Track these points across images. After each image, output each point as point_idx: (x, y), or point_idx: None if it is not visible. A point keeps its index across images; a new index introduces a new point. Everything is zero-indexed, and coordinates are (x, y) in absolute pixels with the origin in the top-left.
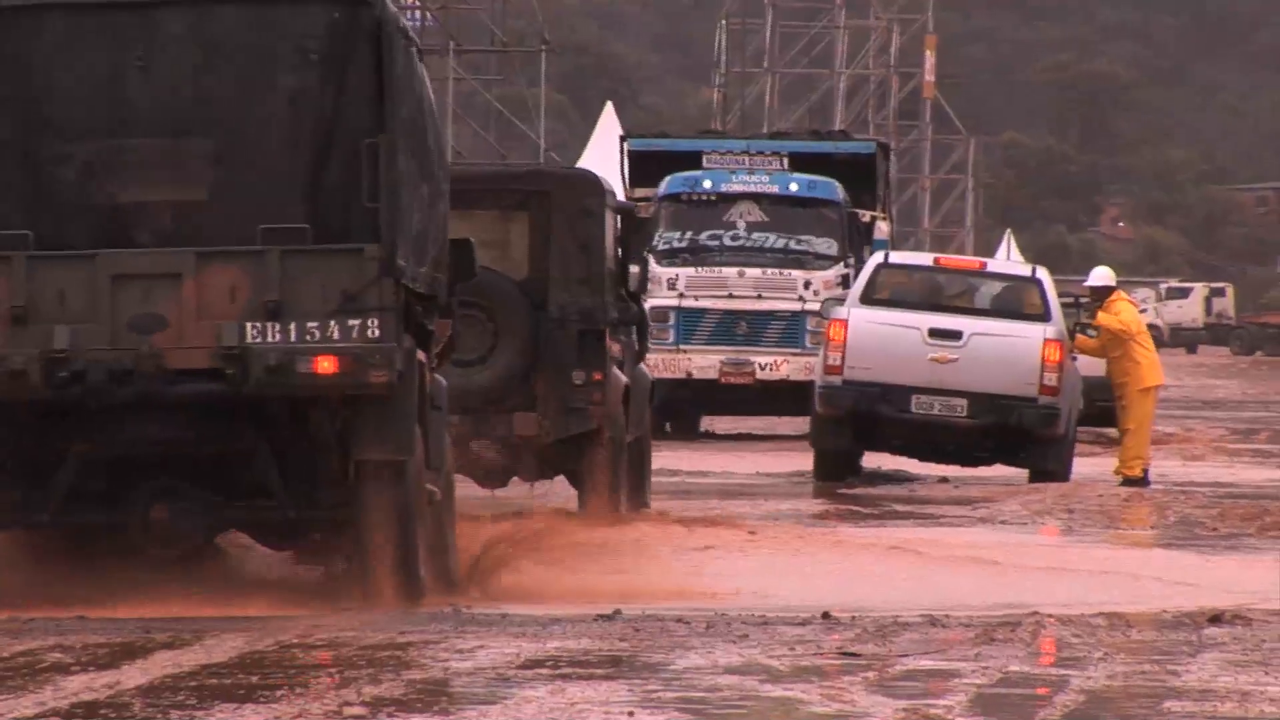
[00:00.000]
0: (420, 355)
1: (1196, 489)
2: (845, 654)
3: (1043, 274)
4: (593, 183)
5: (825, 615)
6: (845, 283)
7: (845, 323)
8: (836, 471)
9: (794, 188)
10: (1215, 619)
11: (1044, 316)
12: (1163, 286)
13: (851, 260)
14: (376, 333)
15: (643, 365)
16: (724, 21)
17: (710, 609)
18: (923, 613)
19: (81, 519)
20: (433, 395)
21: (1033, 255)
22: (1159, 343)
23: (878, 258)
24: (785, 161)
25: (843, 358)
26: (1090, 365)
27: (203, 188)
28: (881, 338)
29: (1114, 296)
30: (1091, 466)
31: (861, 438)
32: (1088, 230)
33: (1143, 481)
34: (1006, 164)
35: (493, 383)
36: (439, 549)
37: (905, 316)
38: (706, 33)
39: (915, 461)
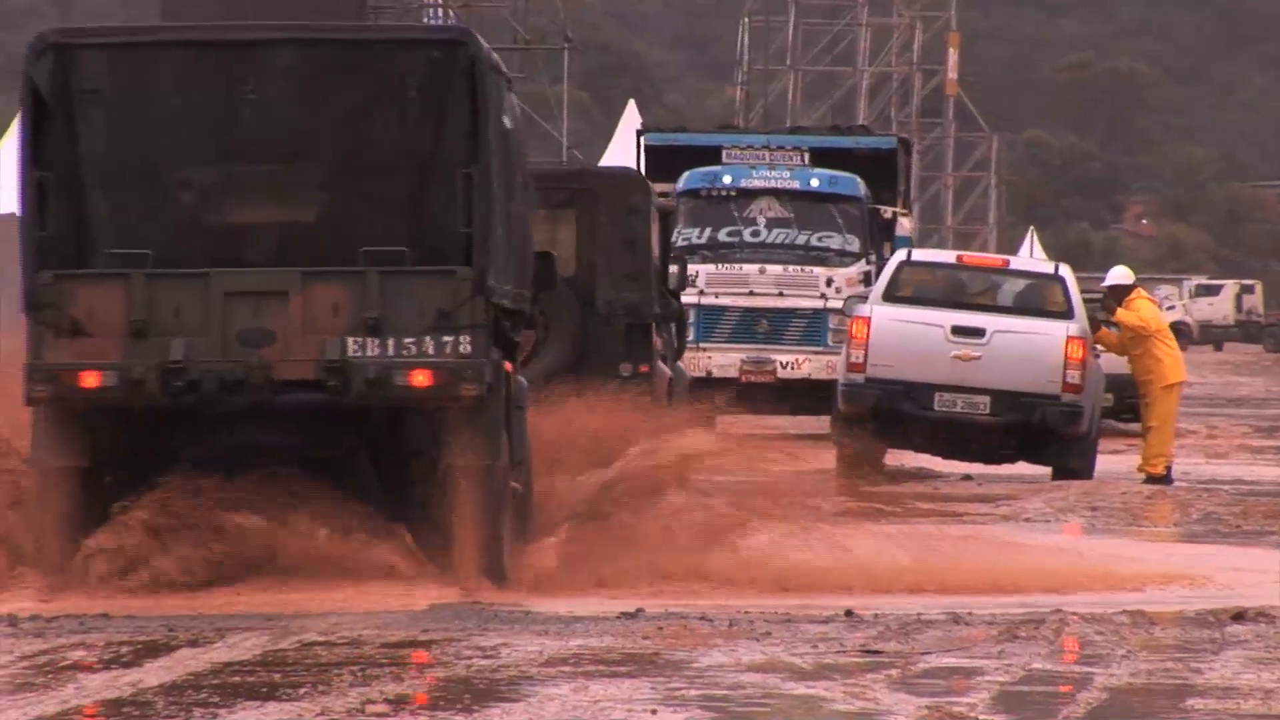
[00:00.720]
0: (506, 365)
1: (1219, 486)
2: (868, 652)
3: (1065, 271)
4: (638, 181)
5: (848, 613)
6: (867, 280)
7: (868, 320)
8: (859, 469)
9: (815, 183)
10: (1238, 616)
11: (1067, 314)
12: (1192, 284)
13: (873, 257)
14: (468, 348)
15: (680, 361)
16: (746, 19)
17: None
18: (945, 610)
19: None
20: (515, 395)
21: (1056, 253)
22: (1188, 340)
23: (900, 255)
24: (806, 157)
25: (865, 355)
26: (1115, 362)
27: (309, 211)
28: (904, 335)
29: (1133, 295)
30: (1115, 463)
31: (884, 435)
32: (1110, 228)
33: (1166, 479)
34: (1029, 161)
35: (542, 376)
36: (519, 537)
37: (928, 314)
38: (729, 30)
39: (938, 459)
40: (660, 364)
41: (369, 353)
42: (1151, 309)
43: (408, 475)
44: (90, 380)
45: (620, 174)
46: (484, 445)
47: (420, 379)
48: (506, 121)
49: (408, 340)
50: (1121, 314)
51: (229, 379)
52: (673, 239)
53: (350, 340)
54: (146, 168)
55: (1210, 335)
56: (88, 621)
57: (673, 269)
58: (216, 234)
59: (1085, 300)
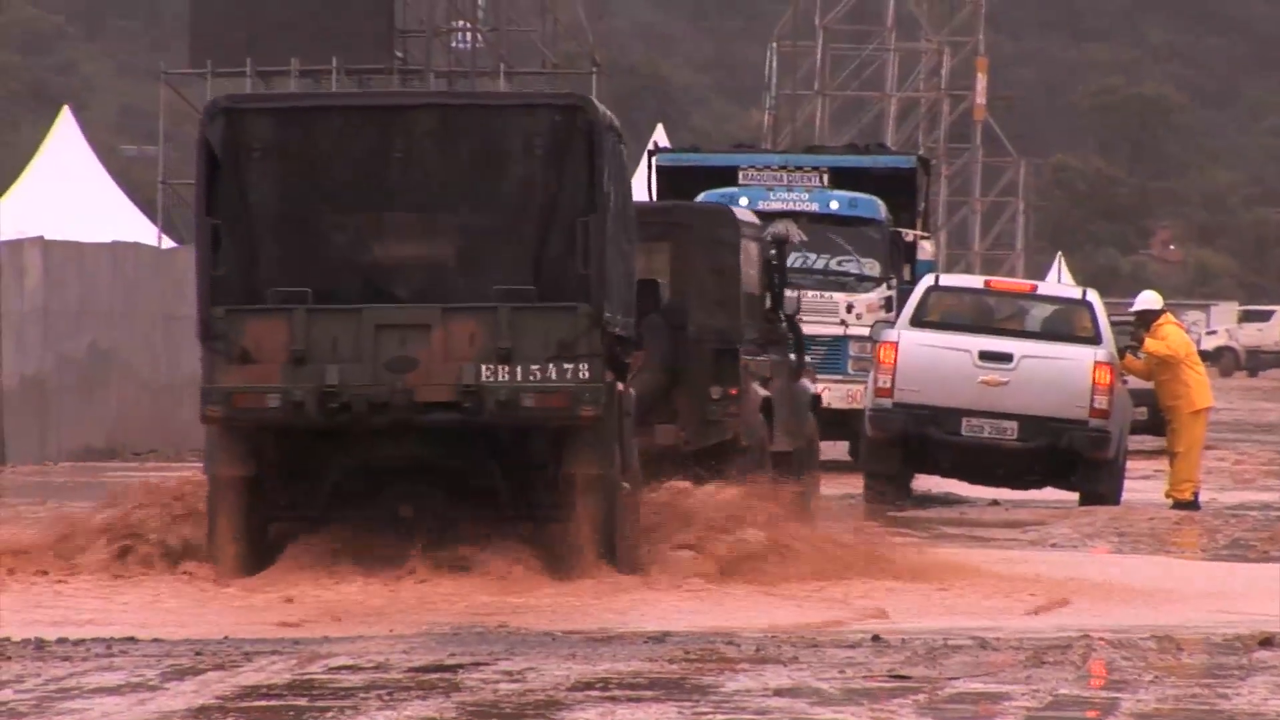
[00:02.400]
0: (619, 386)
1: (1247, 512)
2: (895, 677)
3: (1093, 297)
4: (726, 215)
5: (875, 638)
6: (888, 305)
7: (896, 345)
8: (887, 494)
9: (834, 205)
10: (1266, 642)
11: (1094, 339)
12: (1232, 308)
13: (894, 281)
14: (586, 374)
15: (804, 380)
16: (774, 44)
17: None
18: (972, 635)
19: (342, 515)
20: (624, 406)
21: (1083, 278)
22: (1235, 367)
23: (928, 280)
24: (824, 178)
25: (893, 380)
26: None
27: (449, 254)
28: (932, 360)
29: (1161, 320)
30: (1143, 488)
31: (912, 460)
32: (1139, 253)
33: (1193, 505)
34: (1057, 186)
35: (636, 398)
36: (628, 535)
37: (956, 339)
38: (757, 55)
39: (965, 484)
40: (753, 386)
41: (500, 378)
42: (1180, 335)
43: (532, 482)
44: (256, 402)
45: (710, 208)
46: (600, 456)
47: (544, 401)
48: (619, 169)
49: (534, 367)
50: (1150, 344)
51: (377, 401)
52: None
53: (484, 367)
54: (307, 215)
55: (1260, 361)
56: (114, 645)
57: (789, 294)
58: (368, 273)
59: (1113, 326)
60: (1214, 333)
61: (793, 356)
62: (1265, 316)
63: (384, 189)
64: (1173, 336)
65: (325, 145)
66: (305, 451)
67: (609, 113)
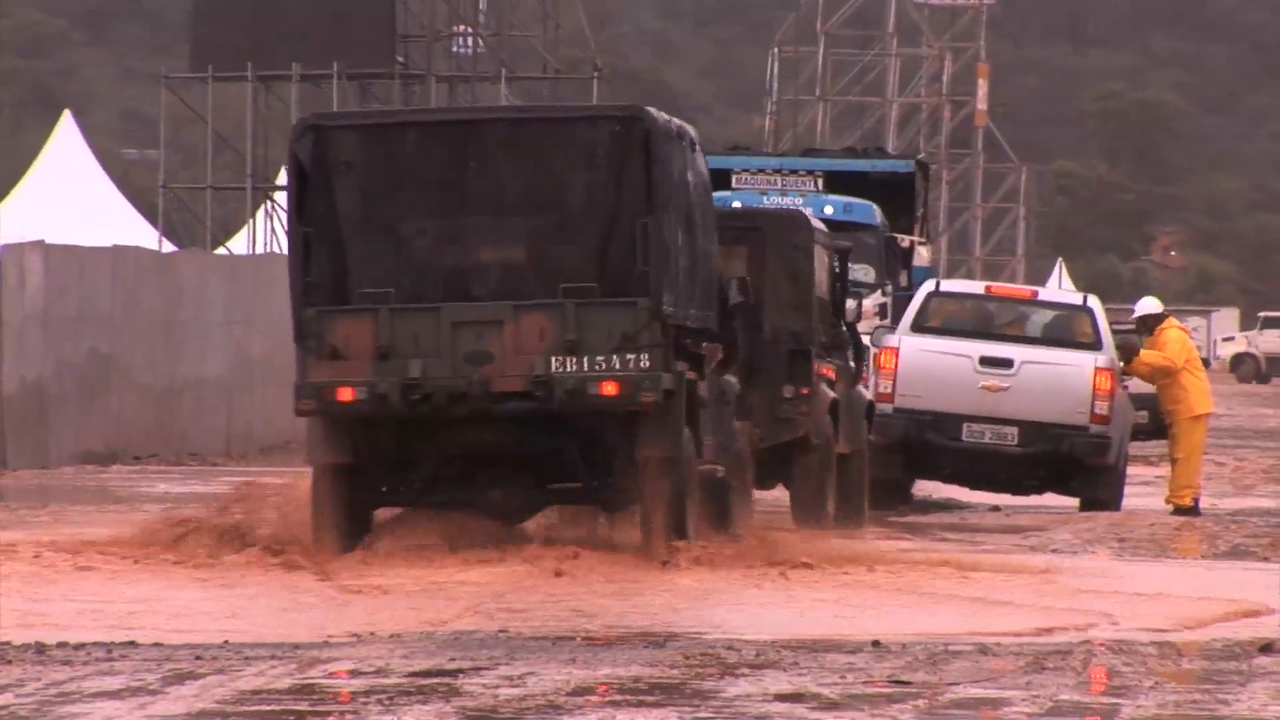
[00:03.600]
0: (691, 374)
1: (1247, 518)
2: (896, 682)
3: (1094, 303)
4: (801, 220)
5: (875, 643)
6: (884, 312)
7: (896, 350)
8: (887, 499)
9: (829, 210)
10: (1266, 648)
11: (1095, 345)
12: (1260, 315)
13: (889, 287)
14: (647, 364)
15: (860, 387)
16: (776, 50)
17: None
18: (974, 640)
19: (437, 499)
20: (724, 394)
21: (1084, 284)
22: (1255, 374)
23: (929, 286)
24: (819, 181)
25: (894, 385)
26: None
27: (520, 255)
28: (933, 366)
29: (1164, 325)
30: (1144, 495)
31: (912, 466)
32: (1140, 259)
33: (1193, 510)
34: (1058, 192)
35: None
36: (725, 517)
37: (956, 344)
38: (758, 61)
39: (966, 489)
40: (822, 387)
41: (568, 369)
42: (1181, 340)
43: (608, 465)
44: (345, 395)
45: (786, 215)
46: (668, 440)
47: (608, 389)
48: (689, 176)
49: (598, 358)
50: (1146, 355)
51: (456, 392)
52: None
53: (553, 359)
54: (389, 222)
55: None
56: (115, 649)
57: (850, 303)
58: (446, 275)
59: (1115, 332)
60: (1231, 339)
61: (852, 363)
62: None
63: (459, 197)
64: (1173, 342)
65: (405, 157)
66: (401, 441)
67: (677, 122)
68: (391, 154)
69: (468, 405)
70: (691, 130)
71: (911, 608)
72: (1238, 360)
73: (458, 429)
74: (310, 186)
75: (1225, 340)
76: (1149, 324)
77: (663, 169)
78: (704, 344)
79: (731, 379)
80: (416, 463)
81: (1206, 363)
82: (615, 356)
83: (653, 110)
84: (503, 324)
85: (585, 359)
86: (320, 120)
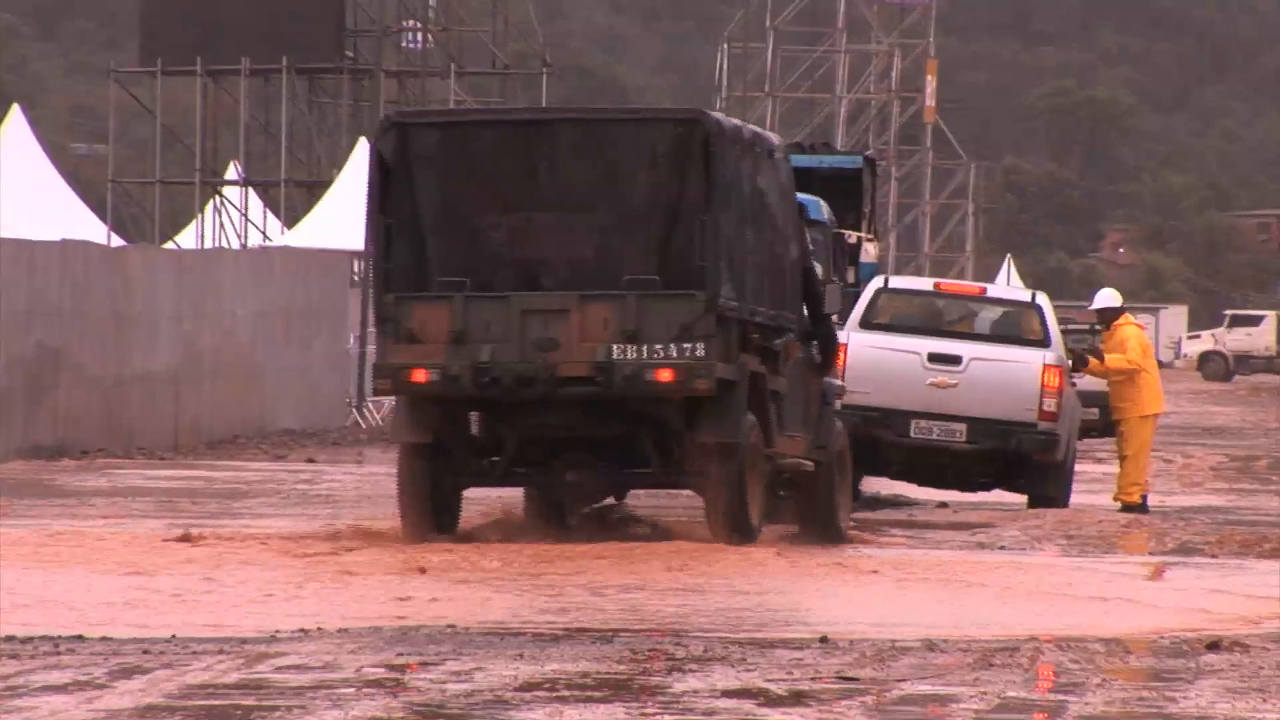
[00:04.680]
0: (759, 367)
1: (1195, 515)
2: (843, 678)
3: (1042, 299)
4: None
5: (823, 639)
6: None
7: (844, 347)
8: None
9: None
10: (1213, 646)
11: (1044, 342)
12: (1227, 313)
13: (837, 283)
14: (702, 353)
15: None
16: (725, 45)
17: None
18: (921, 638)
19: (519, 481)
20: (825, 393)
21: (1033, 281)
22: (1223, 373)
23: (877, 282)
24: None
25: (842, 381)
26: (1095, 380)
27: (586, 248)
28: (881, 362)
29: (1120, 320)
30: (1089, 496)
31: (860, 462)
32: (1088, 256)
33: (1141, 508)
34: (1007, 189)
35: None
36: (824, 510)
37: (905, 341)
38: (708, 56)
39: (914, 486)
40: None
41: (628, 356)
42: (1139, 338)
43: (675, 450)
44: (420, 376)
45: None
46: (726, 427)
47: (664, 376)
48: (760, 181)
49: (657, 347)
50: (1111, 359)
51: (523, 376)
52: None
53: (615, 346)
54: (465, 215)
55: (1249, 366)
56: (62, 643)
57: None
58: (517, 265)
59: (1064, 331)
60: (1198, 337)
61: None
62: (1255, 321)
63: (530, 193)
64: (1131, 340)
65: (481, 155)
66: (483, 423)
67: (751, 128)
68: (468, 151)
69: (534, 389)
70: (772, 138)
71: (1023, 606)
72: (1205, 358)
73: (529, 412)
74: (392, 180)
75: (1191, 338)
76: (1107, 317)
77: (722, 169)
78: (778, 341)
79: (835, 380)
80: (497, 445)
81: (1164, 362)
82: (673, 345)
83: (715, 114)
84: (569, 313)
85: (644, 347)
86: (403, 117)
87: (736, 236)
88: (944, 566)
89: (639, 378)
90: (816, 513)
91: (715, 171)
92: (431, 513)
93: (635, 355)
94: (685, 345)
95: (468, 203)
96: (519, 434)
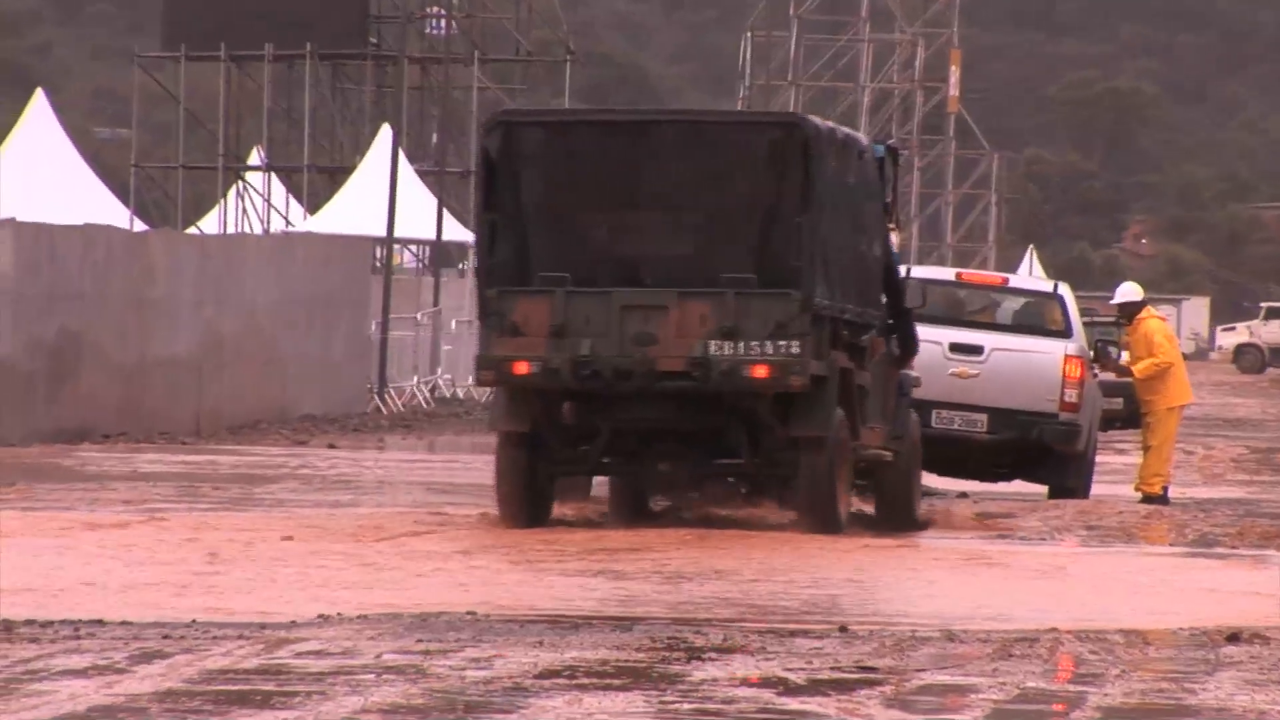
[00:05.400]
0: (847, 362)
1: (1216, 507)
2: (862, 668)
3: (1064, 290)
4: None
5: (842, 629)
6: None
7: None
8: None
9: None
10: (1233, 637)
11: (1065, 333)
12: (1263, 305)
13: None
14: (796, 350)
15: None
16: (749, 34)
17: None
18: (941, 627)
19: (610, 471)
20: (902, 385)
21: (1055, 271)
22: (1260, 365)
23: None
24: None
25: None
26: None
27: (685, 247)
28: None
29: (1142, 314)
30: (1109, 486)
31: None
32: (1110, 247)
33: (1162, 499)
34: (1030, 180)
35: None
36: (902, 499)
37: (926, 331)
38: (731, 45)
39: (935, 476)
40: None
41: (725, 352)
42: (1163, 332)
43: (766, 442)
44: (521, 368)
45: None
46: (818, 421)
47: (760, 372)
48: (852, 181)
49: (753, 343)
50: (1140, 368)
51: (622, 369)
52: None
53: (711, 343)
54: (568, 213)
55: None
56: (82, 627)
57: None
58: (616, 262)
59: (1091, 325)
60: (1232, 329)
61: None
62: None
63: (631, 192)
64: (1157, 335)
65: (584, 154)
66: (575, 414)
67: (844, 130)
68: (572, 149)
69: (633, 382)
70: (861, 139)
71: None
72: (1241, 351)
73: (626, 404)
74: (498, 177)
75: (1226, 330)
76: (1129, 311)
77: (819, 172)
78: (865, 337)
79: (912, 373)
80: (591, 436)
81: (1203, 353)
82: (769, 343)
83: (814, 118)
84: (667, 309)
85: (741, 344)
86: (509, 116)
87: (829, 237)
88: (1038, 556)
89: (736, 373)
90: (895, 501)
91: (813, 174)
92: (527, 500)
93: (732, 351)
94: (780, 342)
95: (569, 200)
96: (614, 426)
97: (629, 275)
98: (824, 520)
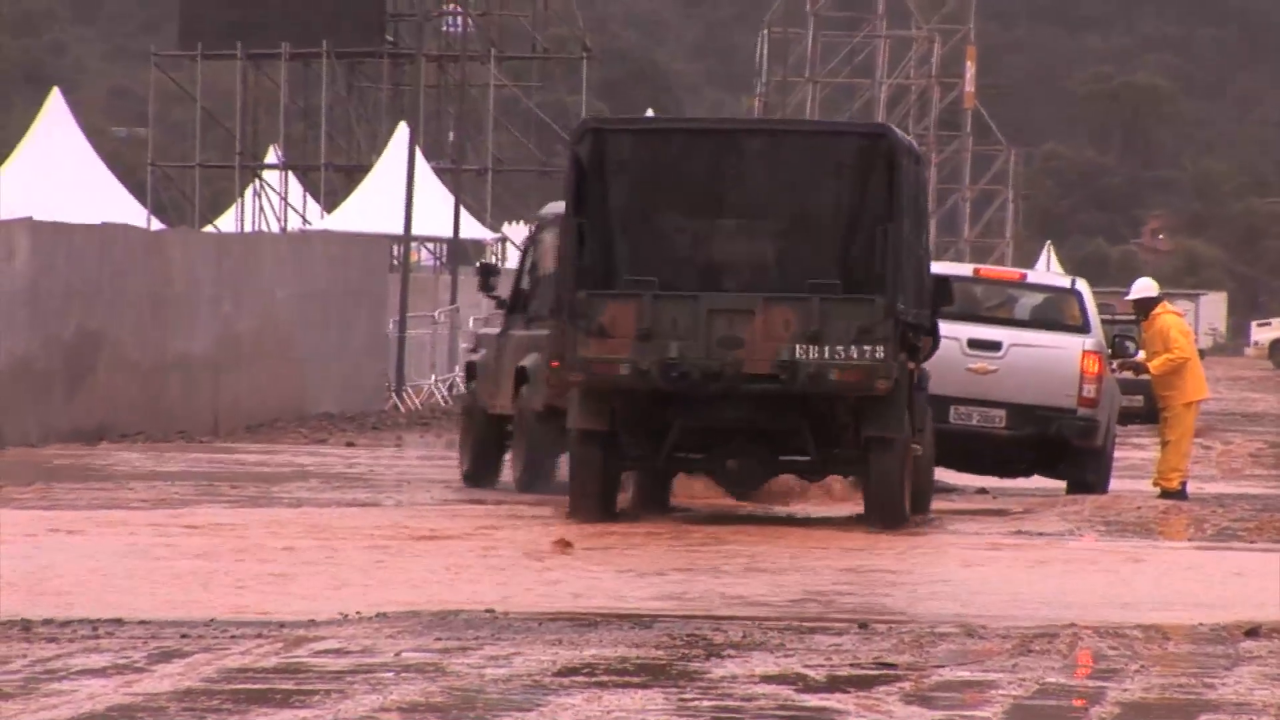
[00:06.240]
0: (910, 365)
1: (1234, 502)
2: (882, 664)
3: (1082, 286)
4: None
5: (862, 625)
6: None
7: None
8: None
9: None
10: (1252, 632)
11: (1083, 328)
12: (1225, 298)
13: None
14: (881, 355)
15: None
16: (766, 30)
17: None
18: (960, 623)
19: (681, 466)
20: (920, 380)
21: (1072, 267)
22: None
23: None
24: None
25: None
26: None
27: (770, 253)
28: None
29: (1158, 310)
30: (1128, 481)
31: None
32: (1128, 242)
33: (1180, 494)
34: (1047, 175)
35: None
36: (923, 489)
37: (944, 327)
38: (748, 41)
39: (953, 472)
40: None
41: (810, 356)
42: (1180, 328)
43: (836, 441)
44: (611, 370)
45: None
46: (893, 422)
47: (847, 376)
48: (916, 188)
49: (838, 348)
50: (1156, 365)
51: (710, 371)
52: None
53: (797, 346)
54: (655, 218)
55: None
56: (100, 626)
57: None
58: (702, 267)
59: (1112, 322)
60: (1268, 325)
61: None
62: None
63: (718, 198)
64: (1173, 331)
65: (672, 161)
66: (648, 413)
67: (908, 139)
68: (660, 157)
69: (720, 384)
70: (918, 147)
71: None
72: (1276, 346)
73: (706, 404)
74: (587, 183)
75: (1261, 325)
76: (1145, 307)
77: (903, 181)
78: (920, 338)
79: (923, 369)
80: (662, 433)
81: (1221, 348)
82: (853, 347)
83: (896, 129)
84: (753, 313)
85: (826, 348)
86: (599, 124)
87: (907, 243)
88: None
89: (822, 377)
90: (916, 493)
91: (897, 183)
92: (600, 496)
93: (817, 355)
94: (865, 347)
95: (657, 205)
96: (698, 425)
97: (713, 280)
98: (893, 517)
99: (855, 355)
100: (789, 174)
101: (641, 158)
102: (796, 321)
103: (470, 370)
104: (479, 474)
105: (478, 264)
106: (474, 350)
